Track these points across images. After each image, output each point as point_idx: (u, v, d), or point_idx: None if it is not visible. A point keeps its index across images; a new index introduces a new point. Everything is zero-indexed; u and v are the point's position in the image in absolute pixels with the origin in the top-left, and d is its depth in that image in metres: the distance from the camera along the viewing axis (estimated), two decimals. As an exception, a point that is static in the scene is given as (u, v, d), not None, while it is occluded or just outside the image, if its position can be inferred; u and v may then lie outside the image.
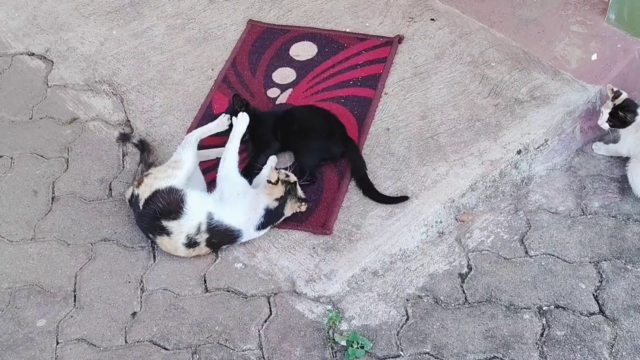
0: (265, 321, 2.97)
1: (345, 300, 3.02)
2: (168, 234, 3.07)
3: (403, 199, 3.24)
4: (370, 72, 3.78)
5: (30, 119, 3.81)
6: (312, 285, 3.05)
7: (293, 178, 3.15)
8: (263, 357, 2.87)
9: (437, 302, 3.02)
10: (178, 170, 3.16)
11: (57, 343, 2.94)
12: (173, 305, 3.04)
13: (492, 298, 3.01)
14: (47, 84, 3.96)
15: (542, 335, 2.88)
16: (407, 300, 3.03)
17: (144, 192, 3.12)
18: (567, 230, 3.22)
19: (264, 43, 3.99)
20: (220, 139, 3.40)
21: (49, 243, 3.28)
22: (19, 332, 2.97)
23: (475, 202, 3.31)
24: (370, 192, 3.28)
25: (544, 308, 2.97)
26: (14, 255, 3.24)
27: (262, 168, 3.29)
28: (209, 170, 3.43)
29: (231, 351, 2.88)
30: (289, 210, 3.14)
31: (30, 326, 2.99)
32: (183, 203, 3.07)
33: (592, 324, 2.90)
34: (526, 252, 3.15)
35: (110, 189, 3.47)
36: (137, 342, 2.93)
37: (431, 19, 4.03)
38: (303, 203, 3.14)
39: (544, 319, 2.93)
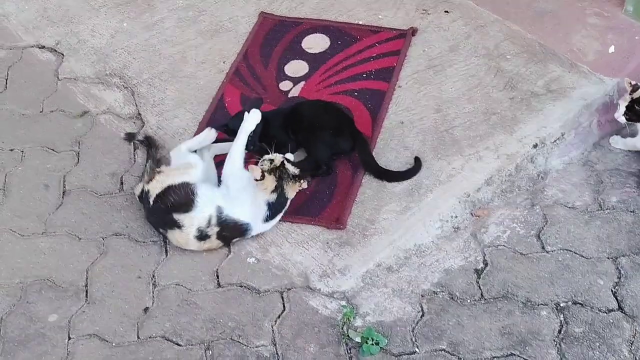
0: (279, 317, 2.93)
1: (360, 296, 2.98)
2: (179, 227, 3.04)
3: (417, 165, 3.24)
4: (383, 65, 3.73)
5: (41, 112, 3.77)
6: (326, 280, 3.01)
7: (278, 159, 3.03)
8: (277, 354, 2.83)
9: (452, 298, 2.98)
10: (192, 169, 3.14)
11: (69, 338, 2.91)
12: (185, 301, 3.00)
13: (509, 294, 2.96)
14: (58, 77, 3.92)
15: (559, 332, 2.84)
16: (422, 296, 2.99)
17: (154, 188, 3.09)
18: (584, 226, 3.17)
19: (275, 35, 3.94)
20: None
21: (60, 237, 3.24)
22: (31, 327, 2.94)
23: (490, 196, 3.27)
24: (387, 175, 3.26)
25: (561, 304, 2.92)
26: (25, 250, 3.20)
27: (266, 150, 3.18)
28: (222, 163, 3.37)
29: (244, 347, 2.85)
30: (291, 194, 3.07)
31: (41, 321, 2.96)
32: (194, 195, 3.04)
33: (611, 320, 2.86)
34: (543, 248, 3.10)
35: (122, 183, 3.43)
36: (150, 337, 2.90)
37: (445, 11, 3.99)
38: (302, 181, 3.05)
39: (562, 316, 2.88)
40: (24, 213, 3.34)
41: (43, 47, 4.08)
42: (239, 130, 3.21)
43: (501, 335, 2.83)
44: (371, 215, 3.18)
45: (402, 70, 3.70)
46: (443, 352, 2.81)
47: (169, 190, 3.06)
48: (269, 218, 3.08)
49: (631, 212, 3.21)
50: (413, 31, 3.87)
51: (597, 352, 2.77)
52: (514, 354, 2.78)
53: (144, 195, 3.15)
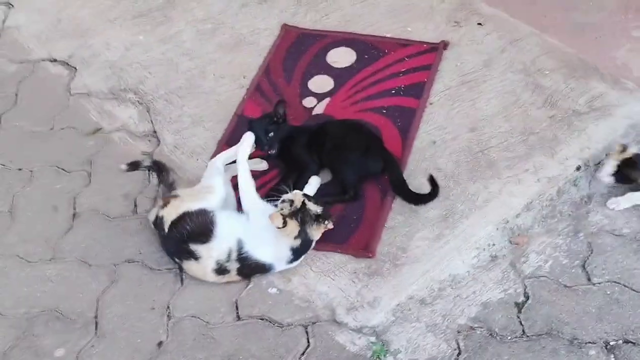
0: (303, 354, 2.75)
1: (390, 332, 2.79)
2: (196, 258, 2.86)
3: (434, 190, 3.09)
4: (413, 81, 3.56)
5: (52, 129, 3.63)
6: (354, 314, 2.82)
7: (298, 198, 2.85)
8: (300, 395, 2.64)
9: (491, 334, 2.78)
10: (211, 195, 2.97)
11: (77, 376, 2.74)
12: (202, 335, 2.83)
13: (553, 331, 2.76)
14: (70, 92, 3.79)
15: (611, 374, 2.63)
16: (458, 332, 2.79)
17: (170, 214, 2.92)
18: (633, 255, 2.96)
19: (299, 49, 3.78)
20: (255, 154, 3.23)
21: (69, 264, 3.08)
22: None
23: (531, 222, 3.07)
24: (419, 199, 3.09)
25: (611, 343, 2.71)
26: (31, 277, 3.05)
27: (284, 191, 2.96)
28: (241, 186, 3.19)
29: (265, 387, 2.66)
30: (316, 235, 2.90)
31: (48, 356, 2.80)
32: (213, 225, 2.86)
33: (667, 361, 2.64)
34: (589, 279, 2.90)
35: (135, 205, 3.27)
36: (163, 375, 2.72)
37: (478, 24, 3.82)
38: (327, 221, 2.87)
39: (612, 356, 2.68)
40: (31, 237, 3.19)
41: (55, 60, 3.97)
42: (237, 160, 3.05)
43: (546, 378, 2.62)
44: (402, 242, 2.99)
45: (434, 86, 3.53)
46: (483, 395, 2.59)
47: (185, 217, 2.89)
48: (293, 261, 2.91)
49: (684, 240, 2.98)
50: (444, 45, 3.70)
51: (652, 397, 2.54)
52: (561, 399, 2.56)
53: (158, 222, 2.97)
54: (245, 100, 3.56)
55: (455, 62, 3.63)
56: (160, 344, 2.81)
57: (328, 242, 2.97)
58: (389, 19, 3.88)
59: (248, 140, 3.10)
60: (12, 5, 4.27)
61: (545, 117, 3.35)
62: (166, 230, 2.92)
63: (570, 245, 3.01)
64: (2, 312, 2.93)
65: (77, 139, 3.56)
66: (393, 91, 3.51)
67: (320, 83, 3.60)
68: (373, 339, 2.76)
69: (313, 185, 3.10)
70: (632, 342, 2.69)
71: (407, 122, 3.37)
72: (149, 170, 3.35)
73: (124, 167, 3.30)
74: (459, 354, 2.72)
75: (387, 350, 2.73)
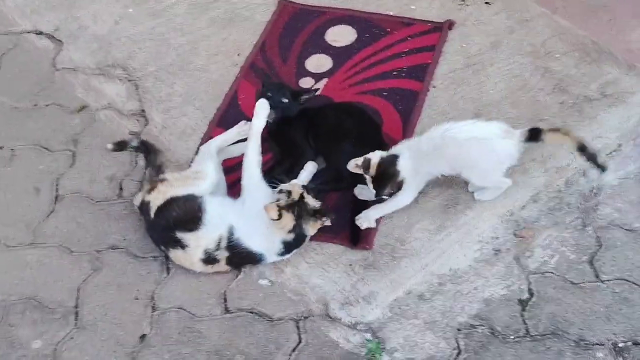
0: (294, 350, 2.63)
1: (387, 329, 2.67)
2: (183, 247, 2.72)
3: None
4: (416, 62, 3.41)
5: (35, 105, 3.48)
6: (349, 309, 2.71)
7: (296, 189, 2.72)
8: (290, 394, 2.52)
9: (493, 333, 2.65)
10: (201, 180, 2.83)
11: (54, 369, 2.63)
12: (188, 328, 2.70)
13: (558, 330, 2.64)
14: (55, 67, 3.63)
15: (619, 378, 2.53)
16: (458, 330, 2.67)
17: (156, 199, 2.78)
18: (644, 251, 2.83)
19: (296, 26, 3.62)
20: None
21: (49, 250, 2.94)
22: (12, 354, 2.66)
23: (537, 215, 2.94)
24: None
25: (619, 345, 2.60)
26: (10, 263, 2.91)
27: (282, 180, 2.84)
28: (233, 170, 3.05)
29: (254, 385, 2.55)
30: (311, 231, 2.76)
31: (24, 348, 2.68)
32: (202, 212, 2.72)
33: (678, 365, 2.54)
34: (597, 276, 2.78)
35: (121, 188, 3.13)
36: (146, 371, 2.60)
37: (486, 2, 3.68)
38: (324, 218, 2.72)
39: (620, 358, 2.57)
40: (10, 220, 3.06)
41: (40, 33, 3.80)
42: (249, 132, 2.90)
43: (551, 381, 2.52)
44: (401, 234, 2.87)
45: (438, 68, 3.39)
46: (483, 398, 2.48)
47: (172, 202, 2.75)
48: (283, 254, 2.77)
49: (698, 236, 2.85)
50: (450, 24, 3.55)
51: (663, 404, 2.43)
52: (566, 404, 2.45)
53: (144, 207, 2.83)
54: (238, 79, 3.41)
55: (461, 43, 3.49)
56: (143, 337, 2.69)
57: (323, 232, 2.83)
58: (392, -4, 3.72)
59: (263, 109, 2.93)
60: (-4, -25, 4.10)
61: (555, 103, 3.22)
62: (152, 216, 2.78)
63: (578, 239, 2.88)
64: (-22, 300, 2.81)
65: (61, 116, 3.41)
66: (395, 73, 3.37)
67: (318, 62, 3.45)
68: (368, 336, 2.65)
69: (308, 171, 2.95)
70: (641, 344, 2.58)
71: (409, 106, 3.23)
72: (136, 151, 3.20)
73: (110, 146, 3.15)
74: (458, 353, 2.60)
75: (383, 348, 2.62)
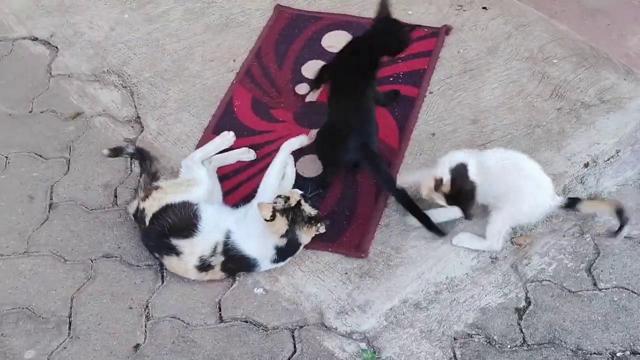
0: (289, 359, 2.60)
1: (382, 338, 2.64)
2: (177, 254, 2.69)
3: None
4: (413, 68, 3.37)
5: (30, 112, 3.44)
6: (344, 318, 2.67)
7: (294, 197, 2.70)
8: (285, 405, 2.48)
9: (490, 342, 2.63)
10: (196, 187, 2.81)
11: (47, 380, 2.59)
12: (182, 337, 2.67)
13: (556, 340, 2.62)
14: (50, 73, 3.59)
15: (617, 388, 2.50)
16: (454, 339, 2.64)
17: (151, 207, 2.75)
18: (642, 259, 2.80)
19: (293, 31, 3.58)
20: (243, 142, 3.09)
21: (43, 258, 2.91)
22: None
23: (534, 222, 2.90)
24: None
25: (617, 354, 2.57)
26: (3, 272, 2.88)
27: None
28: (228, 177, 3.02)
29: (248, 396, 2.51)
30: (305, 238, 2.73)
31: (17, 358, 2.64)
32: (197, 219, 2.69)
33: (676, 375, 2.49)
34: (595, 285, 2.75)
35: (116, 196, 3.09)
36: (140, 381, 2.57)
37: (483, 7, 3.64)
38: (319, 224, 2.69)
39: None
40: (3, 229, 3.02)
41: (36, 39, 3.76)
42: (282, 146, 2.98)
43: (548, 391, 2.48)
44: (397, 242, 2.84)
45: (434, 74, 3.36)
46: (479, 409, 2.44)
47: (167, 210, 2.72)
48: (276, 261, 2.74)
49: (697, 243, 2.82)
50: (447, 30, 3.52)
51: (661, 415, 2.39)
52: (563, 415, 2.41)
53: (139, 215, 2.80)
54: (234, 85, 3.38)
55: (458, 48, 3.46)
56: (137, 346, 2.66)
57: (318, 240, 2.80)
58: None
59: (300, 139, 3.04)
60: (-9, -20, 4.07)
61: (552, 109, 3.19)
62: (147, 223, 2.76)
63: (575, 247, 2.86)
64: (-30, 310, 2.78)
65: (56, 123, 3.38)
66: (391, 78, 3.33)
67: (314, 68, 3.38)
68: (364, 345, 2.62)
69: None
70: (639, 354, 2.54)
71: (405, 111, 3.20)
72: (131, 158, 3.17)
73: (105, 152, 3.13)
74: (454, 363, 2.58)
75: (378, 357, 2.59)
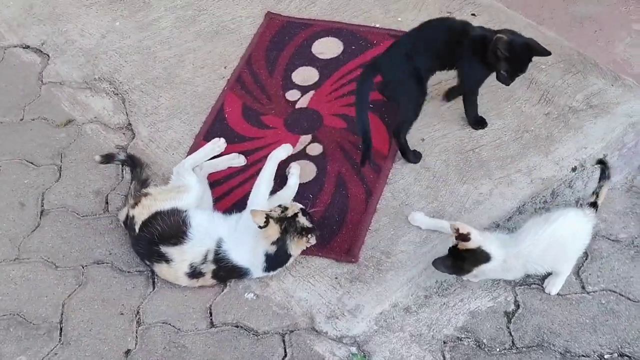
0: (279, 364, 2.61)
1: (373, 342, 2.65)
2: (167, 261, 2.69)
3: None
4: (403, 74, 3.35)
5: (21, 120, 3.45)
6: (334, 322, 2.68)
7: (293, 209, 2.70)
8: (276, 409, 2.49)
9: (479, 345, 2.63)
10: (185, 193, 2.81)
11: (38, 386, 2.59)
12: (173, 343, 2.68)
13: (544, 342, 2.63)
14: (42, 81, 3.60)
15: (605, 390, 2.50)
16: (444, 342, 2.65)
17: (140, 214, 2.75)
18: (630, 262, 2.82)
19: (283, 39, 3.59)
20: (234, 148, 3.11)
21: (34, 265, 2.91)
22: None
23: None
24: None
25: (605, 356, 2.59)
26: (-6, 279, 2.88)
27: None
28: (219, 183, 3.03)
29: (239, 401, 2.51)
30: (295, 250, 2.72)
31: None
32: (187, 226, 2.69)
33: (664, 377, 2.50)
34: (583, 288, 2.77)
35: (107, 203, 3.10)
36: (130, 387, 2.57)
37: (472, 14, 3.63)
38: (310, 235, 2.69)
39: None
40: (-5, 236, 3.02)
41: (27, 47, 3.78)
42: (271, 155, 2.95)
43: (536, 394, 2.48)
44: (387, 246, 2.84)
45: (424, 80, 3.32)
46: (469, 412, 2.45)
47: (156, 217, 2.72)
48: (266, 270, 2.74)
49: (684, 246, 2.84)
50: (436, 36, 3.49)
51: (649, 416, 2.41)
52: (552, 417, 2.42)
53: (129, 222, 2.80)
54: (225, 92, 3.38)
55: (447, 54, 3.45)
56: (128, 352, 2.66)
57: (308, 245, 2.81)
58: (379, 8, 3.69)
59: (286, 149, 3.05)
60: (-18, -11, 4.08)
61: (541, 114, 3.19)
62: (137, 230, 2.76)
63: (564, 250, 2.86)
64: (-38, 316, 2.78)
65: (48, 130, 3.39)
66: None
67: (305, 75, 3.42)
68: (354, 349, 2.62)
69: (293, 171, 3.02)
70: (627, 356, 2.56)
71: (395, 117, 3.19)
72: (122, 165, 3.18)
73: (97, 158, 3.13)
74: (444, 366, 2.58)
75: (368, 361, 2.59)
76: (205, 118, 3.29)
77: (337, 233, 2.86)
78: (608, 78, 3.26)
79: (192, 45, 3.64)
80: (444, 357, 2.60)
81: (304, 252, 2.80)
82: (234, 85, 3.41)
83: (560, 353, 2.58)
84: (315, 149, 3.13)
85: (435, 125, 3.19)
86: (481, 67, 2.95)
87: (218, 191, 3.02)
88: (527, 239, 2.61)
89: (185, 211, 2.74)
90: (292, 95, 3.35)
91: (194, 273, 2.70)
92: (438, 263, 2.60)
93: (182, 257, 2.69)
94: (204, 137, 3.20)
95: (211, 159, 3.06)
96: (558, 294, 2.73)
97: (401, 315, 2.70)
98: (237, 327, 2.70)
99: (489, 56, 2.87)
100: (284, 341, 2.65)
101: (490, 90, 3.27)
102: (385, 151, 3.08)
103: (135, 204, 2.80)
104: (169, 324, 2.72)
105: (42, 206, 3.10)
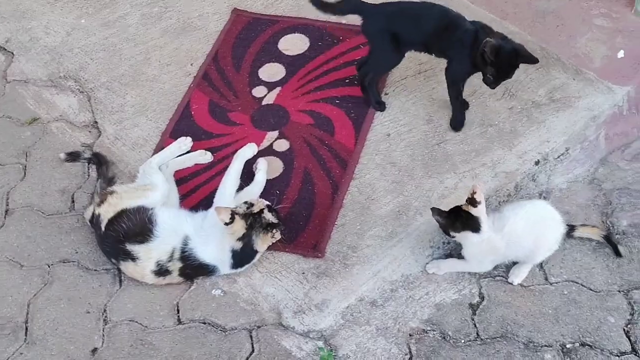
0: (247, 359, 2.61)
1: (339, 336, 2.66)
2: (133, 259, 2.69)
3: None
4: (369, 69, 3.37)
5: (-15, 118, 3.42)
6: (301, 317, 2.69)
7: (259, 205, 2.71)
8: (243, 404, 2.50)
9: (444, 337, 2.67)
10: (151, 192, 2.81)
11: (4, 386, 2.58)
12: (140, 340, 2.67)
13: (508, 333, 2.66)
14: (6, 79, 3.58)
15: (566, 379, 2.54)
16: (410, 335, 2.67)
17: (107, 212, 2.74)
18: (592, 254, 2.87)
19: (249, 35, 3.59)
20: (200, 145, 3.10)
21: (-1, 264, 2.88)
22: None
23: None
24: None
25: (567, 346, 2.62)
26: (-42, 279, 2.85)
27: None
28: (185, 180, 3.03)
29: (206, 397, 2.52)
30: (261, 246, 2.73)
31: None
32: (153, 224, 2.69)
33: (624, 365, 2.56)
34: (546, 279, 2.81)
35: (73, 201, 3.09)
36: (97, 385, 2.56)
37: (437, 10, 3.62)
38: (275, 230, 2.70)
39: (568, 359, 2.58)
40: (-41, 236, 2.99)
41: (-9, 45, 3.73)
42: (237, 153, 2.96)
43: (500, 384, 2.52)
44: (353, 241, 2.86)
45: (389, 75, 3.38)
46: (434, 403, 2.48)
47: (122, 215, 2.71)
48: (233, 266, 2.75)
49: (644, 237, 2.89)
50: (401, 32, 3.51)
51: (609, 404, 2.46)
52: (515, 406, 2.46)
53: (94, 220, 2.79)
54: (191, 89, 3.38)
55: (412, 50, 3.48)
56: (94, 350, 2.66)
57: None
58: (345, 4, 3.70)
59: (252, 148, 3.05)
60: (-57, -15, 4.03)
61: (504, 108, 3.22)
62: (103, 229, 2.75)
63: (527, 242, 2.90)
64: None
65: (12, 129, 3.37)
66: (347, 80, 3.35)
67: (271, 71, 3.42)
68: (321, 343, 2.63)
69: (261, 167, 3.01)
70: (589, 345, 2.60)
71: (361, 113, 3.22)
72: (88, 163, 3.17)
73: (62, 156, 3.13)
74: (410, 358, 2.61)
75: (335, 355, 2.61)
76: (172, 115, 3.29)
77: (303, 228, 2.88)
78: (570, 72, 3.30)
79: (159, 42, 3.62)
80: (409, 349, 2.63)
81: (271, 248, 2.81)
82: (200, 82, 3.40)
83: (524, 343, 2.62)
84: (282, 145, 3.15)
85: (401, 120, 3.21)
86: (468, 63, 2.97)
87: (184, 188, 3.02)
88: (510, 220, 2.68)
89: (152, 209, 2.73)
90: (258, 91, 3.35)
91: (161, 271, 2.70)
92: (435, 212, 2.69)
93: (148, 255, 2.68)
94: (171, 134, 3.20)
95: (178, 156, 3.06)
96: (522, 285, 2.77)
97: (367, 309, 2.72)
98: (204, 323, 2.70)
99: (477, 57, 2.89)
100: (251, 337, 2.66)
101: (455, 85, 3.32)
102: (352, 146, 3.10)
103: (101, 202, 2.79)
104: (136, 322, 2.71)
105: (7, 205, 3.08)
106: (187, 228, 2.74)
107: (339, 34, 3.54)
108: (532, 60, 2.88)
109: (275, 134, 3.18)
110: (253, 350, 2.63)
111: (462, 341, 2.65)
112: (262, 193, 2.95)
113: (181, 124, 3.23)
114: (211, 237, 2.71)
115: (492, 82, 2.96)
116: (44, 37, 3.70)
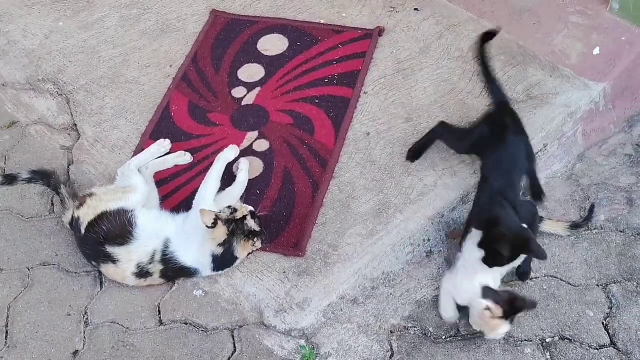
0: (229, 359, 2.61)
1: (321, 334, 2.67)
2: (114, 261, 2.68)
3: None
4: (347, 69, 3.40)
5: (-37, 122, 3.39)
6: (283, 316, 2.69)
7: (242, 211, 2.70)
8: (225, 404, 2.50)
9: (425, 334, 2.68)
10: (131, 194, 2.80)
11: (-16, 390, 2.56)
12: (122, 342, 2.67)
13: None
14: (-16, 83, 3.54)
15: (546, 373, 2.56)
16: (391, 332, 2.69)
17: (86, 215, 2.74)
18: (570, 248, 2.90)
19: (229, 36, 3.59)
20: (180, 146, 3.09)
21: (-22, 269, 2.87)
22: None
23: (466, 216, 2.93)
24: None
25: (547, 340, 2.66)
26: (-63, 284, 2.83)
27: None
28: (165, 182, 3.03)
29: (188, 397, 2.51)
30: (241, 253, 2.72)
31: None
32: (133, 226, 2.68)
33: (603, 358, 2.59)
34: None
35: (53, 204, 3.09)
36: (79, 387, 2.55)
37: (415, 9, 3.67)
38: (256, 239, 2.70)
39: (548, 353, 2.62)
40: (-63, 240, 2.97)
41: (-33, 48, 3.70)
42: (219, 156, 2.94)
43: (481, 379, 2.53)
44: (334, 240, 2.86)
45: (368, 74, 3.39)
46: (415, 399, 2.50)
47: (102, 217, 2.71)
48: (214, 270, 2.74)
49: (621, 232, 2.94)
50: (380, 31, 3.55)
51: (589, 397, 2.48)
52: (496, 401, 2.48)
53: (74, 223, 2.79)
54: (171, 91, 3.37)
55: (391, 49, 3.48)
56: (75, 353, 2.65)
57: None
58: (323, 5, 3.71)
59: (234, 150, 3.03)
60: None
61: (483, 106, 3.18)
62: (83, 232, 2.74)
63: (507, 238, 2.92)
64: None
65: (-10, 133, 3.35)
66: (326, 80, 3.35)
67: (251, 72, 3.42)
68: (302, 342, 2.64)
69: (243, 166, 2.99)
70: (568, 339, 2.63)
71: (340, 112, 3.23)
72: (28, 183, 3.06)
73: None
74: (391, 355, 2.63)
75: (317, 353, 2.62)
76: (152, 117, 3.28)
77: (284, 228, 2.88)
78: (547, 69, 3.32)
79: (137, 44, 3.61)
80: (391, 346, 2.64)
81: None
82: (179, 83, 3.40)
83: (504, 338, 2.64)
84: (262, 145, 3.15)
85: (381, 119, 3.22)
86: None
87: (165, 190, 3.01)
88: None
89: (132, 211, 2.73)
90: (238, 92, 3.35)
91: (142, 273, 2.69)
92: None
93: (128, 258, 2.68)
94: (150, 135, 3.19)
95: (157, 158, 3.05)
96: (502, 281, 2.78)
97: (349, 307, 2.73)
98: (186, 324, 2.70)
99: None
100: (233, 336, 2.66)
101: (433, 84, 3.33)
102: (332, 145, 3.11)
103: (81, 204, 2.78)
104: (118, 324, 2.71)
105: (-14, 209, 3.07)
106: (168, 230, 2.73)
107: (317, 34, 3.55)
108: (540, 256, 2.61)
109: (255, 134, 3.19)
110: (235, 350, 2.63)
111: (443, 337, 2.67)
112: (243, 193, 2.95)
113: (161, 126, 3.23)
114: (192, 240, 2.70)
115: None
116: (21, 40, 3.67)
